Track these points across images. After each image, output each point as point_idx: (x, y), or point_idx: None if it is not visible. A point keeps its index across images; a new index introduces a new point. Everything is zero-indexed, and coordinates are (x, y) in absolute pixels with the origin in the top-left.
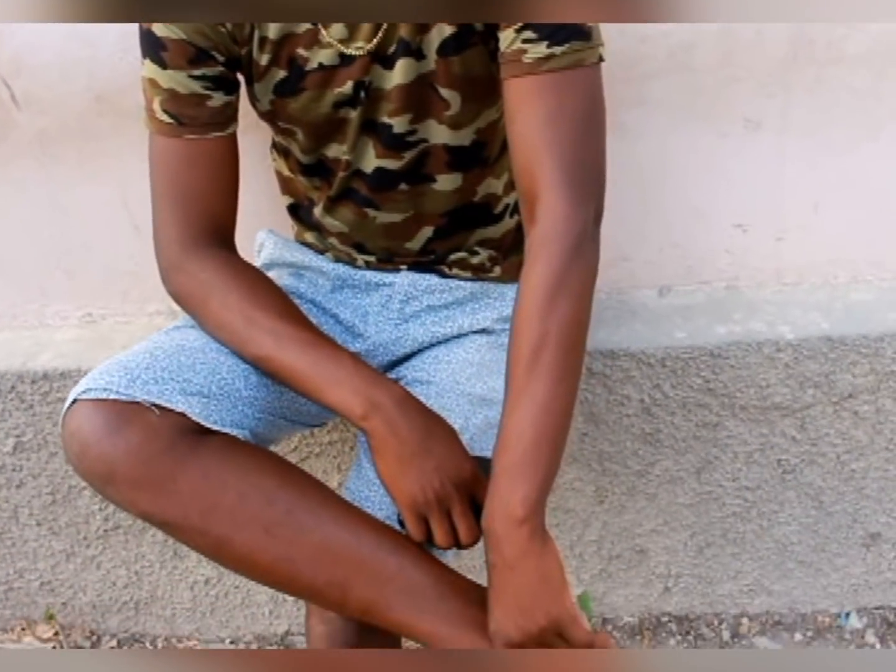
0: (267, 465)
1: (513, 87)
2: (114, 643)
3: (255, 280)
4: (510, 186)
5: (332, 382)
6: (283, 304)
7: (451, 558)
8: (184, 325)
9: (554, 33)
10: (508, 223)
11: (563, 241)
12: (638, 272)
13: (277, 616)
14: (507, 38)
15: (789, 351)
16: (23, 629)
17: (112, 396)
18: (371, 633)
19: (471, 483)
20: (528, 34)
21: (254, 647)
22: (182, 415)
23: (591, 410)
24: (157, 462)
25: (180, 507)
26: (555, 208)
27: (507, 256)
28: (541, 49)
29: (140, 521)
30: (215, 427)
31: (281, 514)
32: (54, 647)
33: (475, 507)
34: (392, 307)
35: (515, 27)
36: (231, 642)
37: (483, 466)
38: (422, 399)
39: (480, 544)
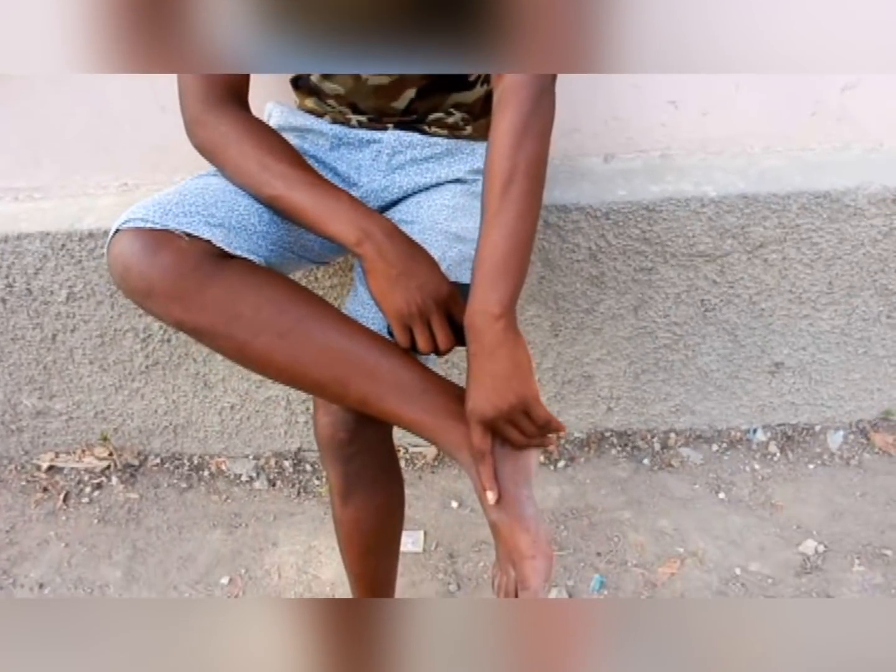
0: (279, 283)
1: None
2: (157, 461)
3: (267, 132)
4: None
5: (332, 216)
6: (291, 153)
7: (431, 364)
8: (207, 174)
9: None
10: (479, 91)
11: (529, 89)
12: (586, 142)
13: (291, 436)
14: None
15: (712, 206)
16: (83, 451)
17: (148, 226)
18: (366, 423)
19: (447, 300)
20: None
21: (272, 462)
22: (207, 242)
23: (548, 257)
24: (188, 279)
25: (208, 316)
26: None
27: (478, 118)
28: None
29: (175, 357)
30: (235, 252)
31: (291, 322)
32: (109, 467)
33: (452, 323)
34: (381, 160)
35: None
36: (254, 458)
37: (458, 291)
38: None
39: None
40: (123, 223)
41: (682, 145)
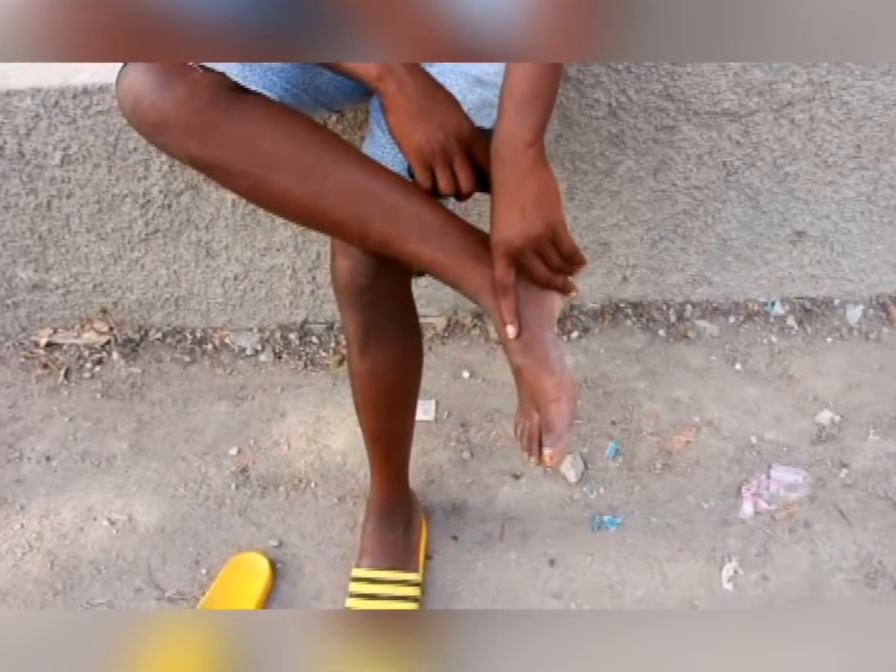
0: (298, 119)
1: None
2: (159, 336)
3: None
4: None
5: None
6: None
7: (451, 207)
8: None
9: None
10: None
11: None
12: None
13: (296, 307)
14: None
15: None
16: (81, 326)
17: None
18: (385, 268)
19: (469, 140)
20: None
21: (277, 335)
22: (222, 74)
23: (566, 114)
24: (203, 111)
25: (224, 151)
26: None
27: None
28: None
29: (176, 224)
30: (250, 87)
31: (311, 158)
32: (109, 342)
33: (474, 166)
34: None
35: None
36: (258, 330)
37: (480, 134)
38: None
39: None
40: None
41: None
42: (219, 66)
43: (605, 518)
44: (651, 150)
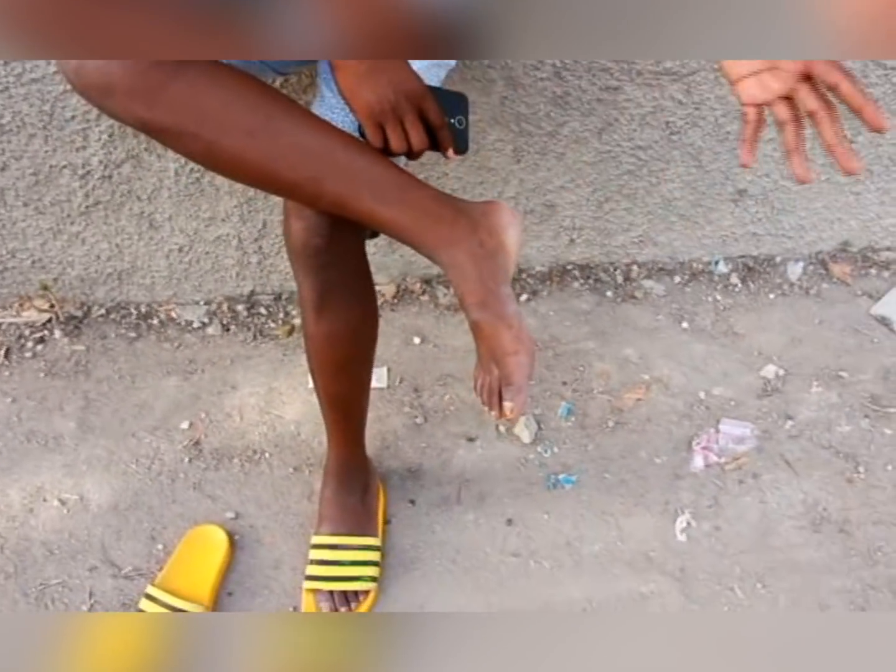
0: (246, 80)
1: None
2: (102, 312)
3: None
4: None
5: None
6: None
7: (402, 166)
8: None
9: None
10: None
11: None
12: None
13: (243, 278)
14: None
15: None
16: (20, 304)
17: None
18: (340, 228)
19: (419, 98)
20: None
21: (224, 307)
22: None
23: (511, 75)
24: (150, 74)
25: (172, 115)
26: None
27: None
28: None
29: (117, 196)
30: None
31: (262, 119)
32: (50, 320)
33: (424, 124)
34: None
35: None
36: (205, 303)
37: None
38: None
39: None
40: None
41: None
42: None
43: (561, 477)
44: (595, 111)
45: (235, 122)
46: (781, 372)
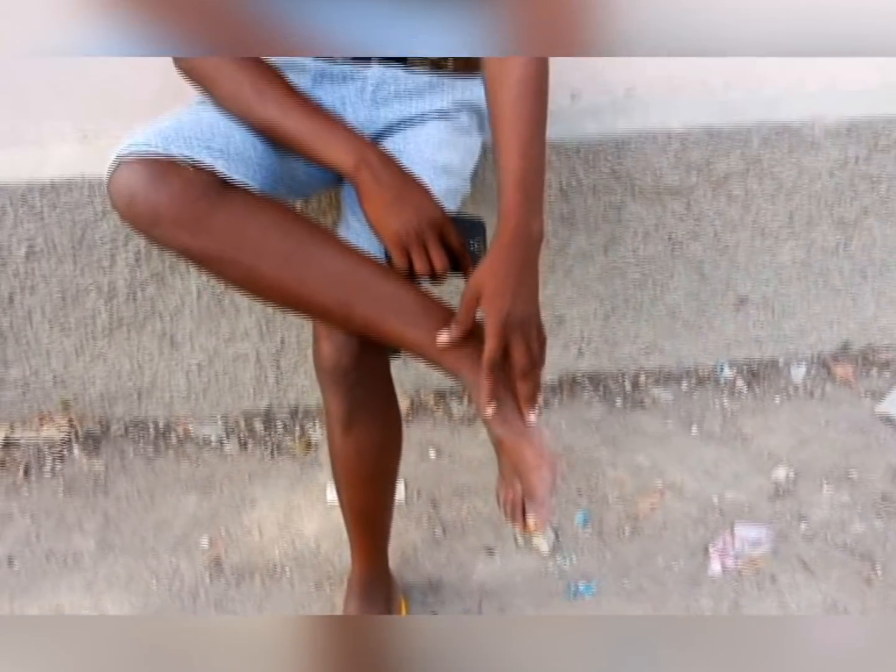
0: (280, 209)
1: None
2: (121, 429)
3: (259, 61)
4: None
5: (329, 143)
6: (284, 81)
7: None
8: (197, 106)
9: None
10: None
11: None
12: (552, 80)
13: (261, 394)
14: None
15: (677, 141)
16: (40, 422)
17: (152, 152)
18: (368, 349)
19: (442, 225)
20: None
21: (241, 423)
22: (210, 169)
23: None
24: (195, 205)
25: (215, 242)
26: None
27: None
28: None
29: (140, 315)
30: (238, 180)
31: (296, 245)
32: (69, 437)
33: (446, 249)
34: (366, 94)
35: None
36: (222, 419)
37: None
38: None
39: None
40: (126, 153)
41: (647, 82)
42: (207, 162)
43: (580, 586)
44: (601, 228)
45: (272, 249)
46: (792, 474)
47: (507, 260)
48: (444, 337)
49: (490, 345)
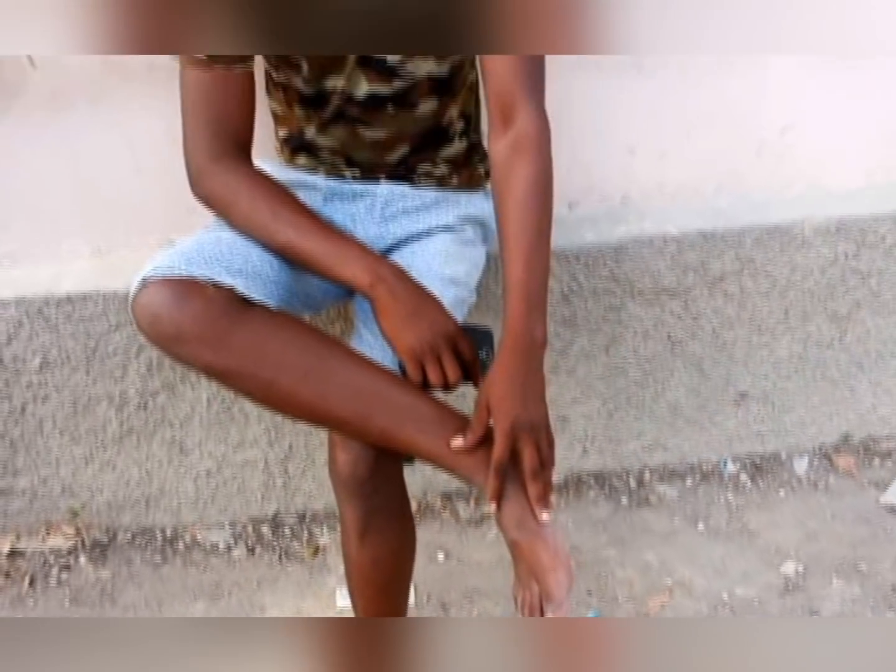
0: (298, 325)
1: None
2: (128, 537)
3: (274, 183)
4: (461, 114)
5: (345, 262)
6: (299, 203)
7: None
8: (214, 227)
9: None
10: (460, 145)
11: (545, 143)
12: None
13: (268, 500)
14: None
15: (673, 244)
16: (47, 531)
17: (175, 273)
18: (383, 458)
19: (454, 337)
20: None
21: (249, 529)
22: (230, 289)
23: None
24: (217, 323)
25: (236, 358)
26: (535, 118)
27: (461, 170)
28: None
29: (150, 423)
30: (255, 298)
31: (314, 360)
32: (76, 546)
33: (459, 359)
34: (375, 211)
35: None
36: (230, 525)
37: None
38: None
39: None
40: (150, 275)
41: (641, 189)
42: (227, 281)
43: None
44: (602, 329)
45: (292, 364)
46: (801, 568)
47: (512, 366)
48: (458, 442)
49: (499, 447)
